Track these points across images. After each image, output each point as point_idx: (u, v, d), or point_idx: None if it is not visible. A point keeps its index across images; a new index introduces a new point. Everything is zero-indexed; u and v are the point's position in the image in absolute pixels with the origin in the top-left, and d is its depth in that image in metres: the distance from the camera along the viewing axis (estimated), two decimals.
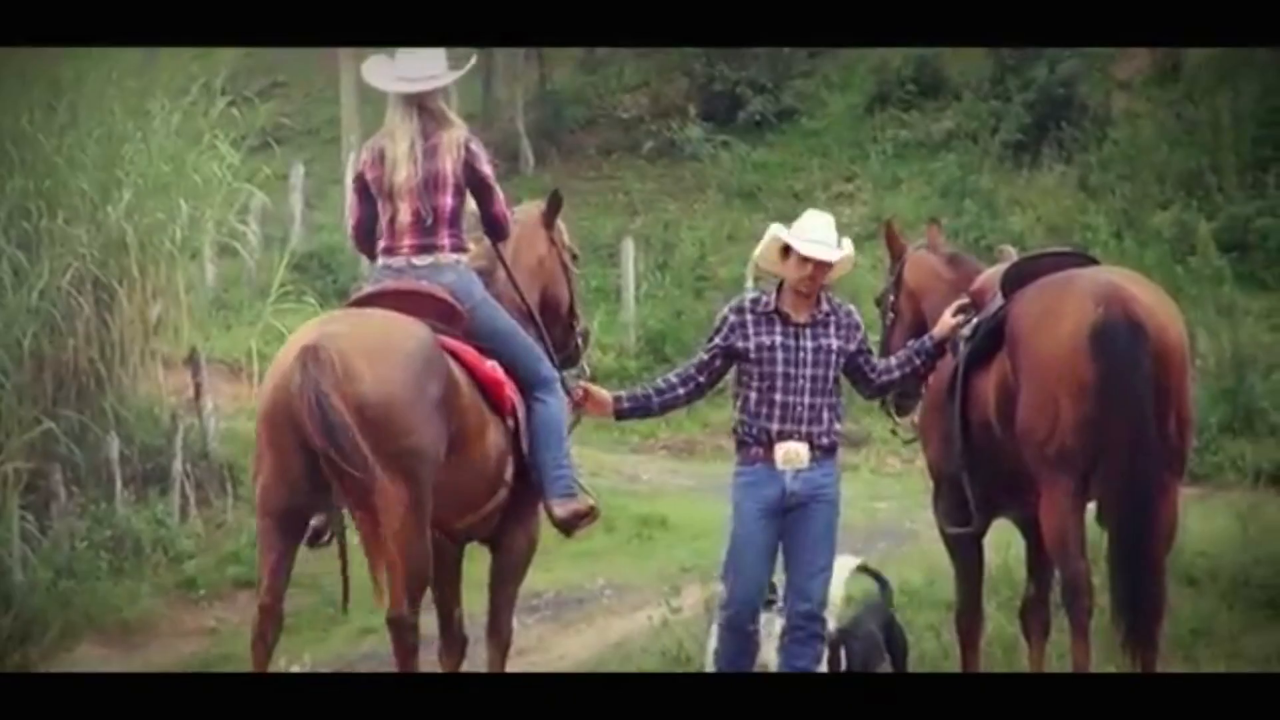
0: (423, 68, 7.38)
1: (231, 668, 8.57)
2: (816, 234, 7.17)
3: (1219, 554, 10.24)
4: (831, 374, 7.23)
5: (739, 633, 7.18)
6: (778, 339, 7.18)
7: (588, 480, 7.85)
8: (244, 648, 6.95)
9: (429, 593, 7.12)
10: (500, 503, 7.42)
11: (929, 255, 8.38)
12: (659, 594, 10.19)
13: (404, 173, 7.30)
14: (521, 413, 7.37)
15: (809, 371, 7.17)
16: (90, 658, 12.15)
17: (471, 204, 7.50)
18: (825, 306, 7.27)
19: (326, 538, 7.13)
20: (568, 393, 7.68)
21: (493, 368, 7.29)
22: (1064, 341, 6.85)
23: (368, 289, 7.45)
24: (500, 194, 7.56)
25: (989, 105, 22.01)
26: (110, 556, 13.49)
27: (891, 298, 8.40)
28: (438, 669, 7.59)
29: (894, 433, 8.77)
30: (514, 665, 7.91)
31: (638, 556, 12.56)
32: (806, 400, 7.16)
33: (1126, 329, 6.76)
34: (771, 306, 7.23)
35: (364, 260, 8.81)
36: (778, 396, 7.15)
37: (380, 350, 6.74)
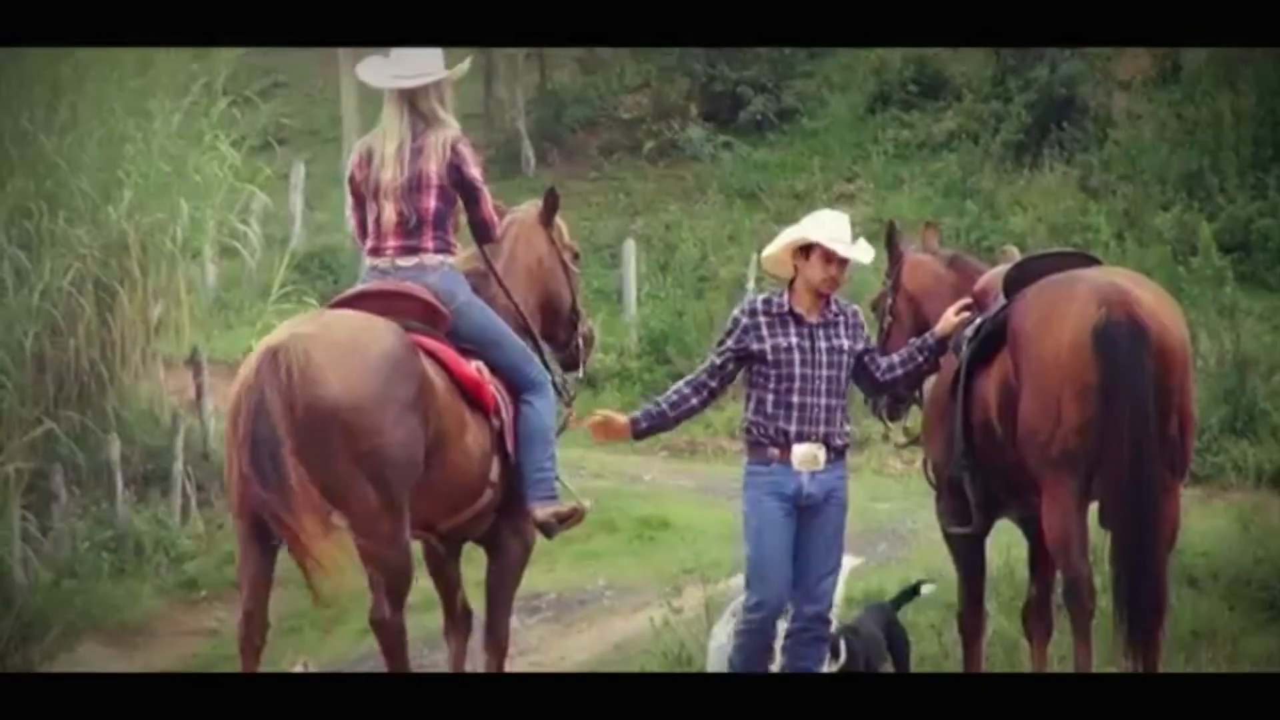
0: (415, 66, 7.32)
1: (232, 668, 8.55)
2: (841, 233, 7.16)
3: (1220, 555, 10.25)
4: (844, 375, 7.21)
5: (767, 636, 7.12)
6: (794, 340, 7.14)
7: (590, 482, 7.86)
8: None
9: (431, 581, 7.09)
10: (487, 503, 7.38)
11: (928, 258, 8.38)
12: (660, 595, 10.18)
13: (390, 172, 7.27)
14: (506, 414, 7.33)
15: (824, 373, 7.15)
16: (91, 658, 12.16)
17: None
18: (834, 307, 7.26)
19: None
20: (560, 394, 7.68)
21: (478, 367, 7.25)
22: (1066, 342, 6.83)
23: (351, 290, 7.44)
24: (488, 197, 7.50)
25: (990, 106, 22.01)
26: (111, 557, 13.51)
27: (889, 301, 8.38)
28: (441, 667, 7.59)
29: (886, 437, 8.77)
30: (515, 666, 7.92)
31: (639, 557, 12.54)
32: (823, 402, 7.13)
33: (1128, 330, 6.75)
34: (786, 308, 7.18)
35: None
36: (795, 398, 7.11)
37: (348, 353, 6.70)
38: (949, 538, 7.81)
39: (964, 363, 7.38)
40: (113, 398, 14.87)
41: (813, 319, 7.18)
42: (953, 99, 22.91)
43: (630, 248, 19.42)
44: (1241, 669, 8.39)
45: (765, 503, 7.08)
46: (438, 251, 7.33)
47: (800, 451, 7.08)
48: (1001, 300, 7.34)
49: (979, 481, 7.42)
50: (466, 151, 7.35)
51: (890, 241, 8.50)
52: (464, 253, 7.65)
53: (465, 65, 7.62)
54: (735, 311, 7.34)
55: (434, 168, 7.26)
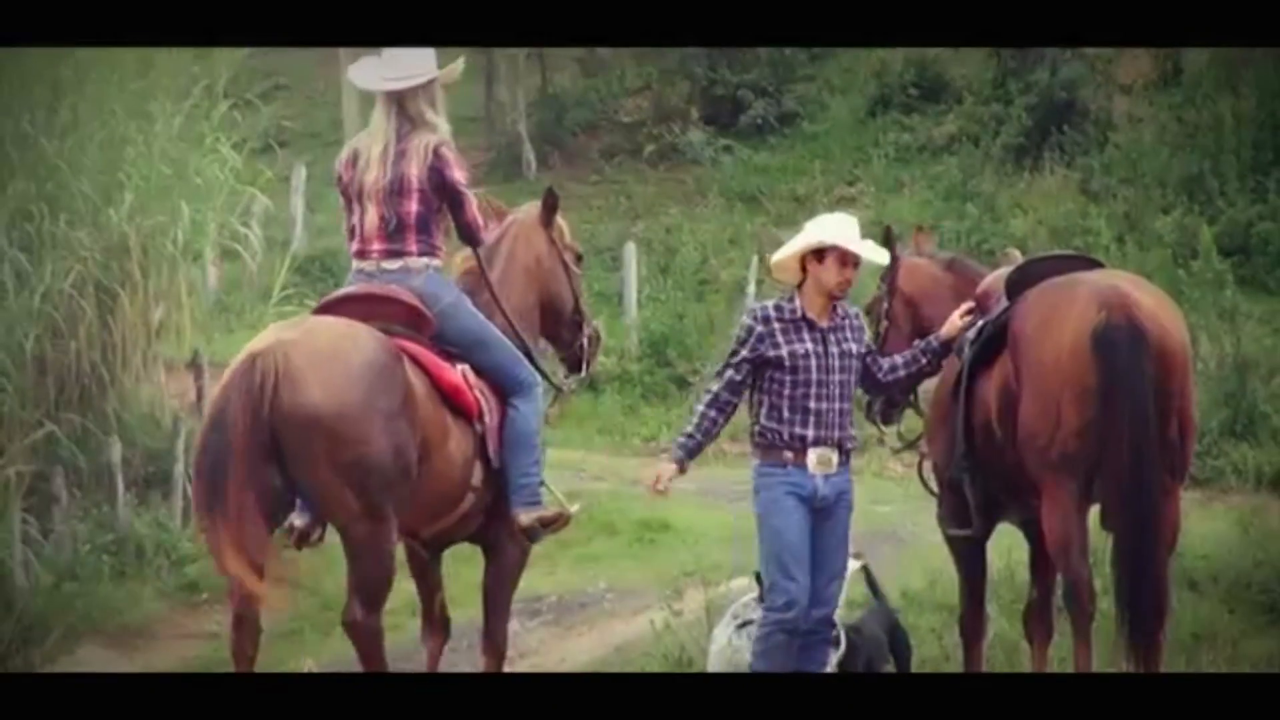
0: (404, 67, 7.28)
1: None
2: (854, 236, 7.16)
3: (1220, 558, 10.24)
4: (854, 379, 7.25)
5: (794, 635, 7.10)
6: (809, 345, 7.15)
7: (591, 484, 7.84)
8: None
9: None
10: (470, 508, 7.35)
11: (924, 261, 8.39)
12: (661, 597, 10.18)
13: (373, 175, 7.23)
14: (491, 419, 7.29)
15: (838, 377, 7.17)
16: (92, 660, 12.13)
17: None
18: (840, 310, 7.26)
19: (315, 537, 7.08)
20: (559, 393, 7.66)
21: (464, 370, 7.21)
22: (1066, 345, 6.83)
23: (337, 292, 7.40)
24: (472, 200, 7.41)
25: (990, 109, 22.03)
26: (112, 560, 13.49)
27: (885, 305, 8.38)
28: (442, 668, 7.58)
29: (881, 441, 8.77)
30: (516, 668, 7.91)
31: (639, 560, 12.53)
32: (837, 406, 7.16)
33: (1129, 333, 6.75)
34: (799, 313, 7.18)
35: None
36: (812, 404, 7.12)
37: (329, 359, 6.66)
38: (950, 541, 7.82)
39: (966, 365, 7.39)
40: (114, 400, 14.86)
41: (824, 323, 7.19)
42: (953, 102, 22.94)
43: (631, 251, 19.42)
44: (1241, 671, 8.38)
45: (784, 501, 7.09)
46: (422, 255, 7.28)
47: (816, 455, 7.10)
48: (1003, 303, 7.34)
49: (979, 484, 7.42)
50: (449, 155, 7.27)
51: (886, 245, 8.50)
52: (464, 253, 7.65)
53: (458, 67, 7.56)
54: (745, 319, 7.32)
55: (415, 171, 7.20)
